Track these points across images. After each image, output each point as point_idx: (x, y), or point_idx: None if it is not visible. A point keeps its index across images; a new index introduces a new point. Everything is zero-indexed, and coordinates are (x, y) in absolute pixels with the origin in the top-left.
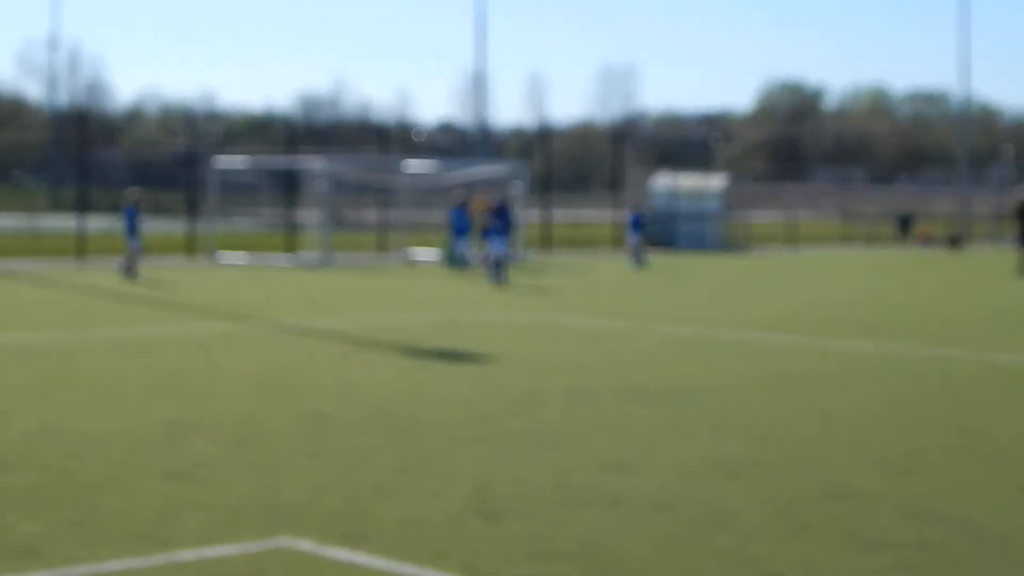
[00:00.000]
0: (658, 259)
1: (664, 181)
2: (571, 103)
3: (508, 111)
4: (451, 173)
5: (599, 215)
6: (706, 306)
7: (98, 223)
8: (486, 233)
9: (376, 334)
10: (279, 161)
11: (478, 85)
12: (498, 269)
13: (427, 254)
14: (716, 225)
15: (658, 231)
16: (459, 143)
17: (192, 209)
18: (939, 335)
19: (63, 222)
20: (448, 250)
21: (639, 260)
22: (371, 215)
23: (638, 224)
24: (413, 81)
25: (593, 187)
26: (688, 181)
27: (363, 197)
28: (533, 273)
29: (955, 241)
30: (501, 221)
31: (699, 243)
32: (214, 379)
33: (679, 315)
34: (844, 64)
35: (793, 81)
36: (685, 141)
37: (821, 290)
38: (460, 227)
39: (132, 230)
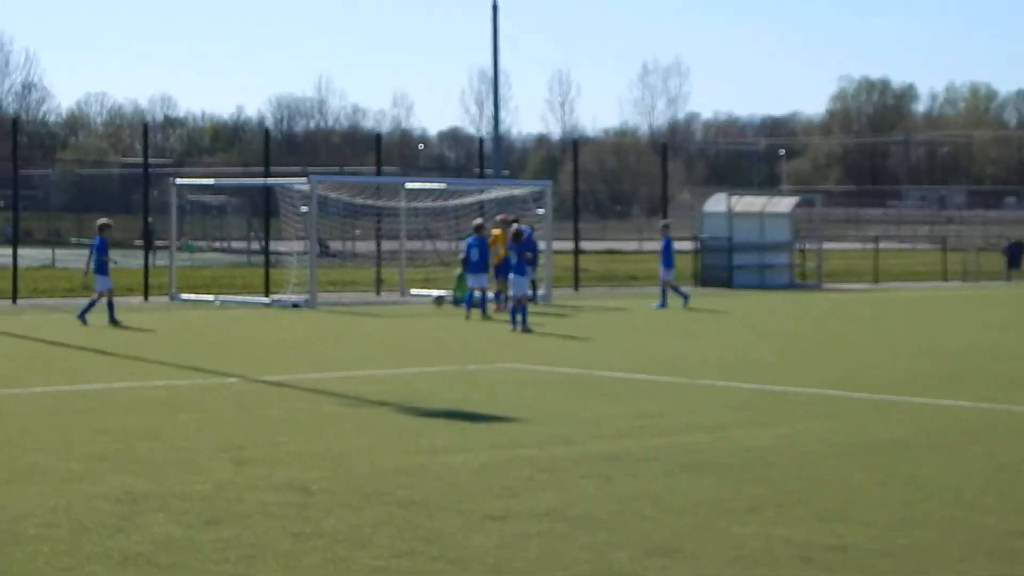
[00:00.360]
0: (713, 299)
1: (720, 203)
2: (604, 109)
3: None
4: (460, 193)
5: (638, 244)
6: (770, 356)
7: (32, 255)
8: (503, 268)
9: (372, 389)
10: (253, 180)
11: (493, 86)
12: (522, 312)
13: (432, 291)
14: (783, 257)
15: (713, 264)
16: (468, 157)
17: (148, 239)
18: None
19: None
20: (461, 287)
21: (680, 294)
22: (365, 245)
23: (669, 253)
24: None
25: (632, 210)
26: (749, 203)
27: (355, 223)
28: (560, 315)
29: None
30: (526, 254)
31: (763, 279)
32: (178, 445)
33: (735, 366)
34: (937, 60)
35: (876, 80)
36: (743, 154)
37: (910, 336)
38: (477, 260)
39: (103, 267)
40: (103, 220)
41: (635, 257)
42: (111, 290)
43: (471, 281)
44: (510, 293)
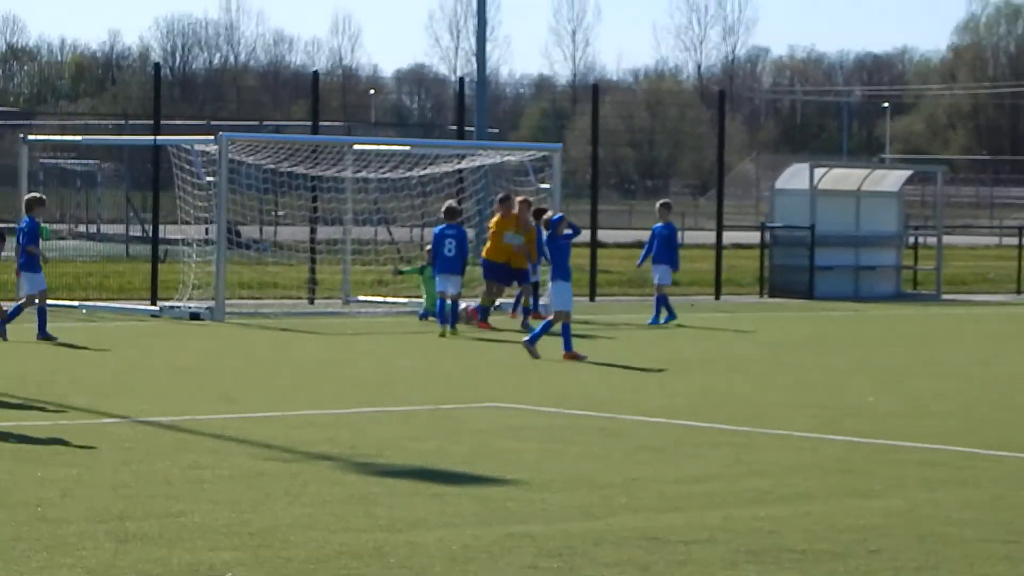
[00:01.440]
0: (786, 314)
1: (798, 178)
2: (634, 42)
3: (524, 56)
4: (430, 160)
5: (680, 235)
6: (874, 397)
7: None
8: (518, 270)
9: (308, 437)
10: (134, 137)
11: (478, 6)
12: (565, 334)
13: (390, 299)
14: (888, 255)
15: (787, 265)
16: (438, 109)
17: None
18: None
19: None
20: (431, 294)
21: (669, 311)
22: (292, 232)
23: (665, 244)
24: (359, 5)
25: (671, 186)
26: (840, 178)
27: (278, 200)
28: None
29: None
30: (562, 244)
31: (858, 287)
32: (35, 515)
33: (825, 411)
34: None
35: (1019, 3)
36: (831, 108)
37: None
38: (453, 255)
39: (32, 261)
40: (33, 194)
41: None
42: (45, 292)
43: (440, 284)
44: (545, 304)
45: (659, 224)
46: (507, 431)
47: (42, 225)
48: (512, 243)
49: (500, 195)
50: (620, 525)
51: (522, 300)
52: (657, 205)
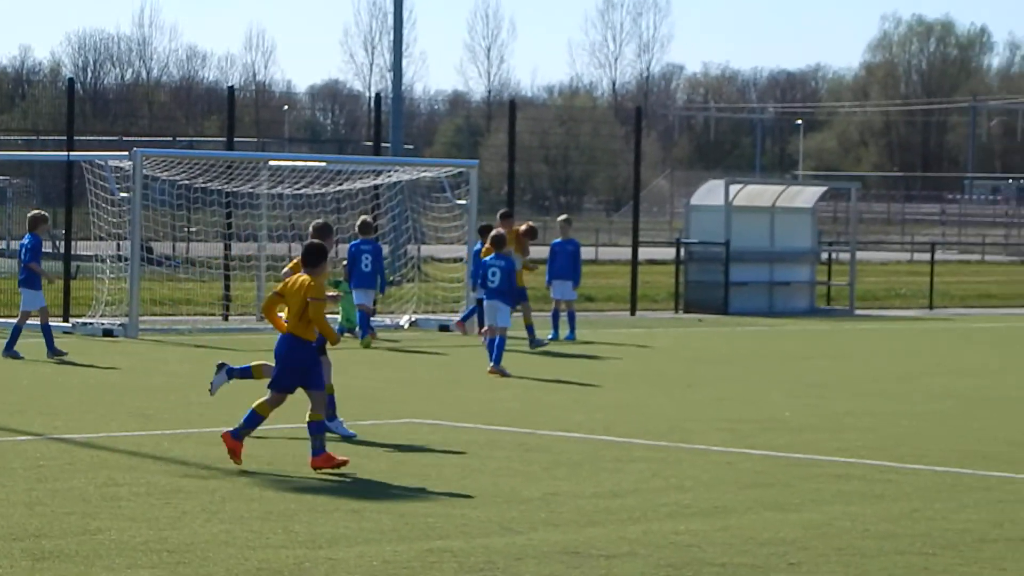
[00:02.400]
0: (701, 330)
1: (713, 194)
2: (548, 59)
3: (439, 72)
4: (345, 176)
5: (594, 251)
6: (790, 412)
7: None
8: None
9: (222, 455)
10: (47, 153)
11: (395, 21)
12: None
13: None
14: (802, 271)
15: (702, 280)
16: (353, 124)
17: None
18: None
19: None
20: (346, 308)
21: (569, 327)
22: (205, 248)
23: (571, 259)
24: (273, 21)
25: (585, 202)
26: (755, 195)
27: (190, 216)
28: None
29: None
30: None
31: (772, 302)
32: None
33: (743, 426)
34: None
35: (933, 22)
36: (745, 125)
37: (980, 385)
38: (368, 271)
39: (34, 278)
40: (38, 211)
41: (589, 268)
42: (45, 309)
43: (358, 297)
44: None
45: (560, 240)
46: (426, 447)
47: None
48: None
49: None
50: (541, 540)
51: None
52: (559, 220)
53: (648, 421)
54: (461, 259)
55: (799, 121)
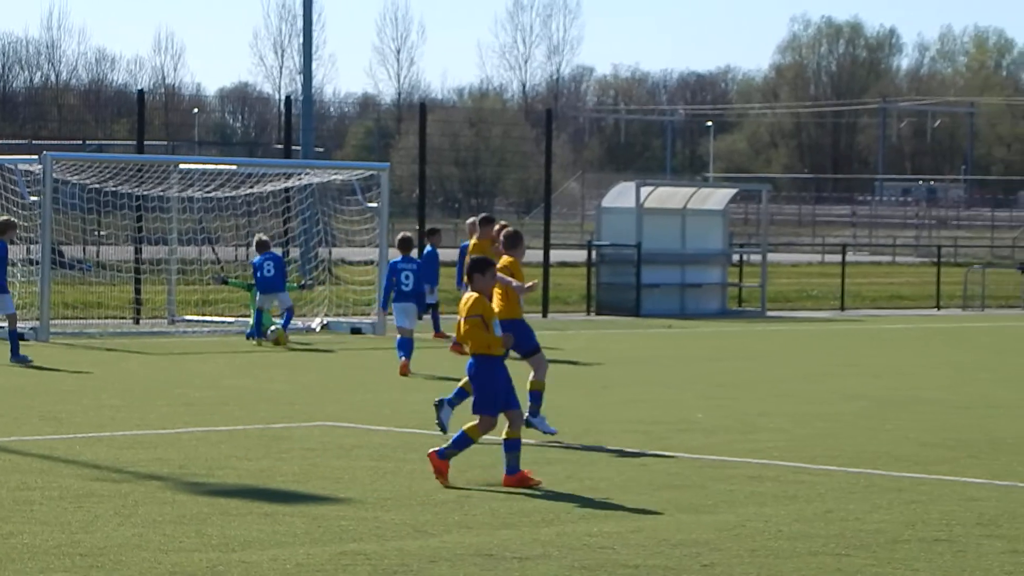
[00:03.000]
0: (612, 332)
1: (624, 196)
2: (458, 61)
3: (348, 74)
4: (256, 179)
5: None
6: (702, 414)
7: None
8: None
9: (136, 457)
10: None
11: (304, 24)
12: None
13: (216, 318)
14: (713, 272)
15: (614, 283)
16: (262, 127)
17: None
18: None
19: None
20: (256, 311)
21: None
22: (115, 251)
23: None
24: (182, 24)
25: (496, 204)
26: (666, 197)
27: (100, 219)
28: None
29: None
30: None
31: (684, 304)
32: None
33: (657, 427)
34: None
35: (842, 24)
36: (655, 127)
37: (893, 387)
38: (271, 275)
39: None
40: (6, 218)
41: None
42: (14, 315)
43: (260, 301)
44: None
45: (468, 242)
46: (339, 450)
47: None
48: None
49: (481, 216)
50: (454, 542)
51: None
52: (467, 223)
53: (562, 423)
54: (372, 262)
55: (709, 123)
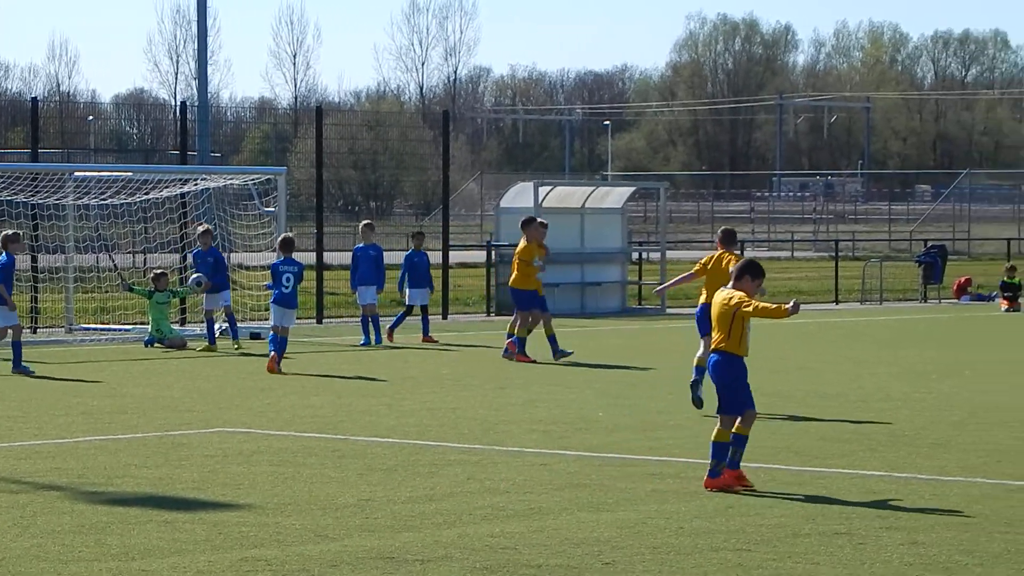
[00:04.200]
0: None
1: (522, 196)
2: (355, 64)
3: (245, 79)
4: (152, 185)
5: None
6: (604, 413)
7: None
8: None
9: (33, 467)
10: None
11: (198, 30)
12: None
13: (118, 326)
14: (613, 271)
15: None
16: (159, 133)
17: None
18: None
19: None
20: (163, 319)
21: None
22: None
23: (374, 265)
24: (76, 31)
25: (395, 207)
26: (564, 196)
27: (1, 227)
28: (300, 354)
29: (1013, 291)
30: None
31: (584, 303)
32: None
33: (557, 427)
34: None
35: (738, 21)
36: (553, 127)
37: (791, 381)
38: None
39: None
40: (9, 231)
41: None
42: (19, 326)
43: (209, 302)
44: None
45: (362, 245)
46: (238, 456)
47: None
48: (539, 268)
49: (523, 219)
50: (356, 546)
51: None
52: (361, 226)
53: (461, 424)
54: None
55: (607, 122)
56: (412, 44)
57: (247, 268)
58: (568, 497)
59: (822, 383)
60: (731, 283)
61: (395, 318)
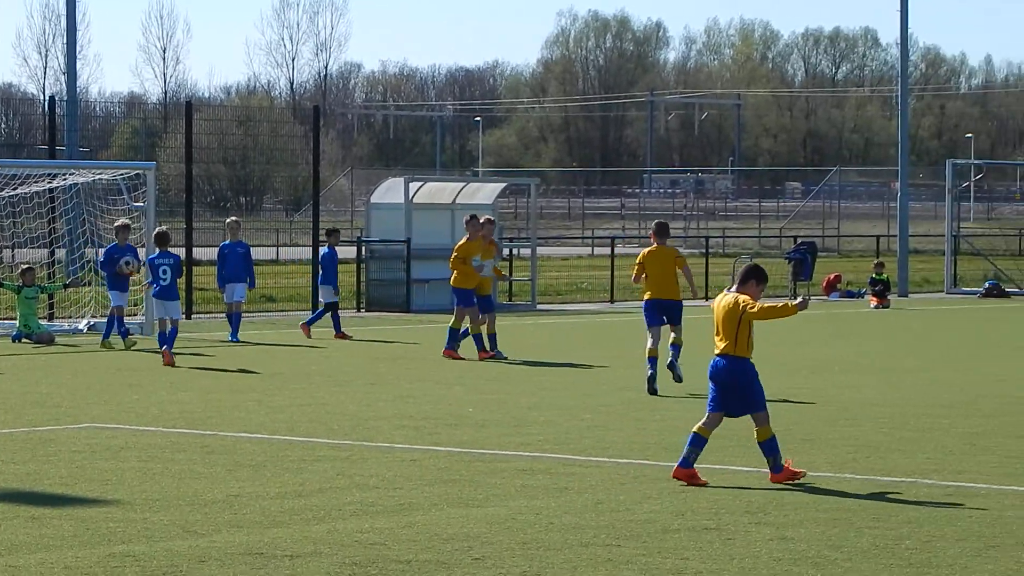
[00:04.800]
0: (383, 329)
1: (393, 192)
2: (225, 59)
3: (114, 74)
4: (18, 180)
5: (275, 252)
6: (473, 408)
7: None
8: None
9: None
10: None
11: (68, 24)
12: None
13: None
14: (485, 266)
15: (384, 279)
16: (27, 128)
17: None
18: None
19: None
20: (24, 314)
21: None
22: None
23: (243, 261)
24: None
25: (265, 202)
26: (435, 192)
27: None
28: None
29: (882, 288)
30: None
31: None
32: None
33: (426, 423)
34: None
35: (609, 17)
36: (424, 123)
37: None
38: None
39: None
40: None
41: (270, 269)
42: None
43: (116, 299)
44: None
45: (229, 242)
46: (106, 451)
47: None
48: (479, 267)
49: (466, 217)
50: (224, 542)
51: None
52: (227, 223)
53: (331, 420)
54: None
55: (478, 118)
56: (283, 39)
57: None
58: (438, 493)
59: (692, 379)
60: (735, 287)
61: (314, 313)
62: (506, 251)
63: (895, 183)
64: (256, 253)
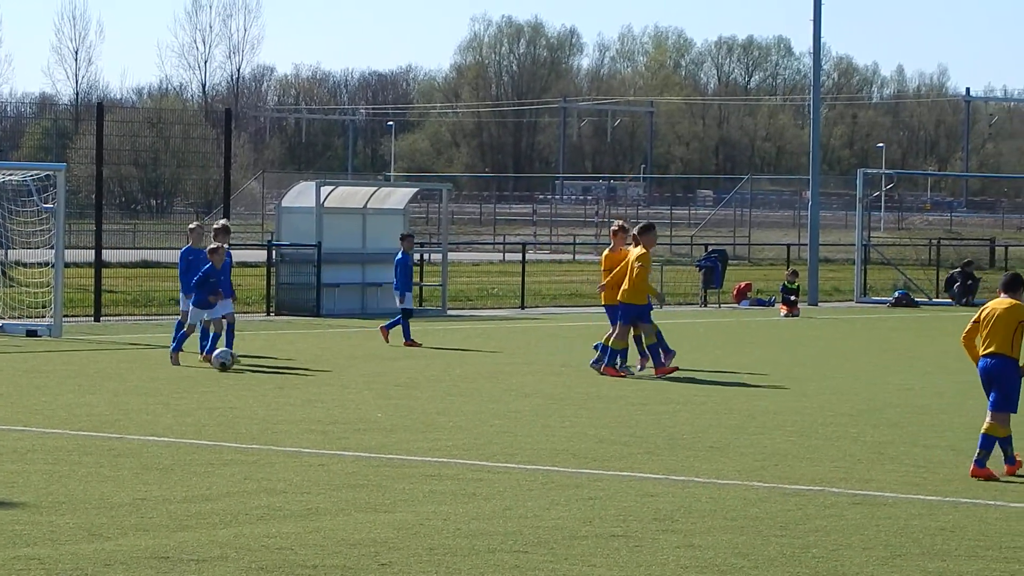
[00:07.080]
0: (292, 333)
1: (304, 196)
2: (137, 60)
3: (26, 75)
4: None
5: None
6: (382, 412)
7: None
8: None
9: None
10: None
11: None
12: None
13: None
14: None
15: (293, 282)
16: None
17: None
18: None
19: None
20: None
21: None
22: None
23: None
24: None
25: (176, 205)
26: (346, 196)
27: None
28: (75, 351)
29: (793, 297)
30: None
31: (365, 303)
32: None
33: (329, 427)
34: None
35: (523, 23)
36: (336, 127)
37: (568, 384)
38: None
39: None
40: (195, 224)
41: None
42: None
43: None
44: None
45: (192, 246)
46: (12, 454)
47: None
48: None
49: (614, 225)
50: (130, 545)
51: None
52: (190, 228)
53: (239, 424)
54: (48, 264)
55: (391, 122)
56: (195, 41)
57: (25, 265)
58: (345, 498)
59: (601, 385)
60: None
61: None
62: (416, 256)
63: (806, 192)
64: (166, 256)
